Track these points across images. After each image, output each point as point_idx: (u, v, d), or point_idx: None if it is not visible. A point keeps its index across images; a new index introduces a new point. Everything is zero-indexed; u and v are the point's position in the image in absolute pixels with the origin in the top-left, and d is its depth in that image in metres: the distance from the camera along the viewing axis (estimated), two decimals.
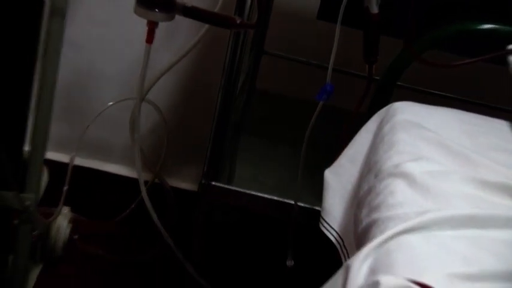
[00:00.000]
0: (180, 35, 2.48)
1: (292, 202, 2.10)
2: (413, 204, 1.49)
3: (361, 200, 1.64)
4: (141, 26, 1.87)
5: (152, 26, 1.83)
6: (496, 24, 2.07)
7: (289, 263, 2.19)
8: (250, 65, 2.59)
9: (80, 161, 2.65)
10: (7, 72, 2.27)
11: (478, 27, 2.07)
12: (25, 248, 2.37)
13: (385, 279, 1.20)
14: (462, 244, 1.36)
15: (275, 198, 2.11)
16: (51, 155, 2.42)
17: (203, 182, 2.15)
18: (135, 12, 1.83)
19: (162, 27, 1.86)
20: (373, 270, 1.30)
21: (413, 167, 1.56)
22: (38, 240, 2.47)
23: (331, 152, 1.94)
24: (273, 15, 2.49)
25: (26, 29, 2.27)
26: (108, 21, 2.41)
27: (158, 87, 2.30)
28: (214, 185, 2.14)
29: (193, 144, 2.81)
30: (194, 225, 2.22)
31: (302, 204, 2.08)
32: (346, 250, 1.69)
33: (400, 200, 1.51)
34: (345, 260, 1.60)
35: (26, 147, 2.31)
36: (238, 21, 1.97)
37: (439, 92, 2.47)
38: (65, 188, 2.39)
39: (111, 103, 2.45)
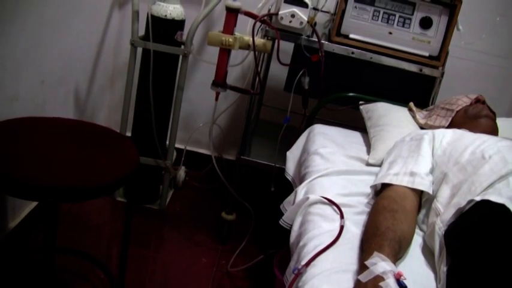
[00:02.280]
0: (229, 96, 2.73)
1: (273, 164, 2.46)
2: (322, 166, 1.93)
3: (301, 163, 2.09)
4: (213, 92, 2.30)
5: (217, 94, 2.30)
6: (356, 93, 2.42)
7: (272, 188, 2.47)
8: (257, 109, 2.87)
9: (189, 148, 2.96)
10: (163, 102, 2.61)
11: (348, 94, 2.43)
12: (167, 182, 2.74)
13: (311, 196, 1.67)
14: (342, 181, 1.81)
15: (266, 162, 2.48)
16: (176, 145, 2.71)
17: (237, 156, 2.50)
18: (211, 88, 2.26)
19: (222, 94, 2.32)
20: (306, 192, 1.76)
21: (322, 150, 2.04)
22: (171, 179, 2.83)
23: (290, 143, 2.34)
24: (266, 88, 2.83)
25: (171, 76, 2.60)
26: (205, 88, 2.40)
27: (220, 117, 2.74)
28: (242, 158, 2.49)
29: (232, 140, 3.08)
30: (234, 173, 2.52)
31: (278, 165, 2.43)
32: (295, 184, 2.09)
33: (317, 164, 1.96)
34: (295, 188, 1.92)
35: (167, 142, 2.68)
36: (251, 91, 2.39)
37: (332, 120, 2.59)
38: (182, 158, 2.82)
39: (201, 124, 2.92)
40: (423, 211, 1.62)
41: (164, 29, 2.47)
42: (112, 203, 2.74)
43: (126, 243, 1.96)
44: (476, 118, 2.01)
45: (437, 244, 1.42)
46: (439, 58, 2.37)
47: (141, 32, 2.54)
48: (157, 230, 2.65)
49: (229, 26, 2.22)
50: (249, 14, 2.24)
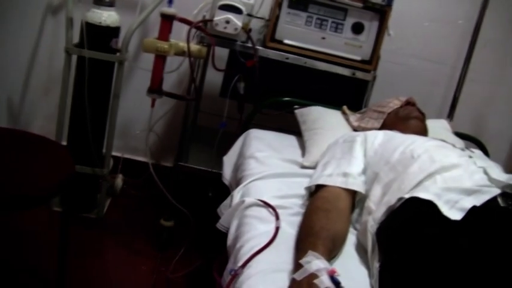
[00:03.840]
0: (166, 103, 2.72)
1: (210, 169, 2.49)
2: (258, 169, 1.96)
3: (238, 168, 2.11)
4: (149, 99, 2.34)
5: (154, 101, 2.33)
6: (291, 98, 2.46)
7: (210, 194, 2.57)
8: (194, 115, 2.73)
9: (126, 155, 3.00)
10: (99, 110, 2.60)
11: (284, 99, 2.47)
12: (104, 191, 2.72)
13: (247, 199, 1.69)
14: (278, 184, 1.84)
15: (204, 168, 2.51)
16: (113, 153, 2.72)
17: (175, 162, 2.54)
18: (147, 95, 2.30)
19: (159, 100, 2.36)
20: (243, 196, 1.78)
21: (257, 154, 2.08)
22: (109, 187, 2.83)
23: (227, 148, 2.36)
24: (203, 94, 2.66)
25: (107, 84, 2.58)
26: (141, 95, 2.39)
27: (157, 124, 2.77)
28: (179, 164, 2.51)
29: (170, 147, 3.05)
30: (172, 180, 2.54)
31: (215, 170, 2.44)
32: (232, 188, 2.07)
33: (253, 167, 1.99)
34: (231, 191, 1.94)
35: (104, 150, 2.66)
36: (187, 97, 2.44)
37: (268, 125, 2.55)
38: (119, 166, 2.86)
39: (138, 131, 2.93)
40: (357, 210, 1.66)
41: (99, 36, 2.46)
42: (49, 213, 2.70)
43: (63, 253, 1.94)
44: (406, 119, 2.08)
45: (369, 241, 1.46)
46: (371, 62, 2.44)
47: (76, 39, 2.51)
48: (96, 239, 2.62)
49: (164, 32, 2.24)
50: (183, 21, 2.27)
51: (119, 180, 2.94)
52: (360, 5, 2.36)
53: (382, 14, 2.39)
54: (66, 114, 2.60)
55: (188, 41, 2.23)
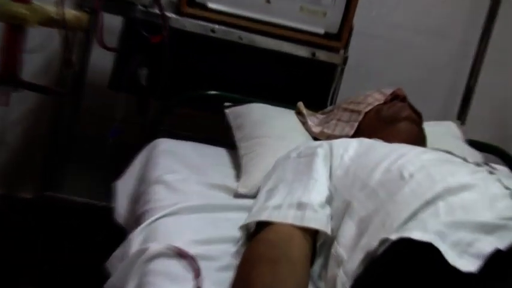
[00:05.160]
0: (25, 100, 2.70)
1: (95, 201, 2.47)
2: (168, 199, 1.95)
3: (138, 197, 2.10)
4: None
5: (7, 96, 2.29)
6: (219, 91, 2.46)
7: (99, 238, 2.45)
8: (69, 117, 2.66)
9: None
10: None
11: (208, 92, 2.46)
12: None
13: (152, 245, 1.64)
14: (199, 222, 1.83)
15: (85, 200, 2.49)
16: None
17: (38, 192, 2.48)
18: None
19: (15, 96, 2.33)
20: (145, 240, 1.74)
21: (168, 176, 2.08)
22: None
23: (121, 168, 2.35)
24: (84, 85, 2.66)
25: None
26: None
27: (10, 133, 2.78)
28: (46, 194, 2.44)
29: (31, 169, 2.97)
30: (34, 218, 2.49)
31: (102, 203, 2.42)
32: (129, 229, 2.03)
33: (161, 197, 1.97)
34: (128, 234, 1.88)
35: None
36: (59, 90, 2.40)
37: (185, 132, 2.54)
38: None
39: None
40: (319, 260, 1.63)
41: None
42: None
43: None
44: (393, 122, 2.08)
45: None
46: (340, 37, 2.45)
47: None
48: None
49: None
50: None
51: None
52: None
53: None
54: None
55: (62, 4, 2.20)
